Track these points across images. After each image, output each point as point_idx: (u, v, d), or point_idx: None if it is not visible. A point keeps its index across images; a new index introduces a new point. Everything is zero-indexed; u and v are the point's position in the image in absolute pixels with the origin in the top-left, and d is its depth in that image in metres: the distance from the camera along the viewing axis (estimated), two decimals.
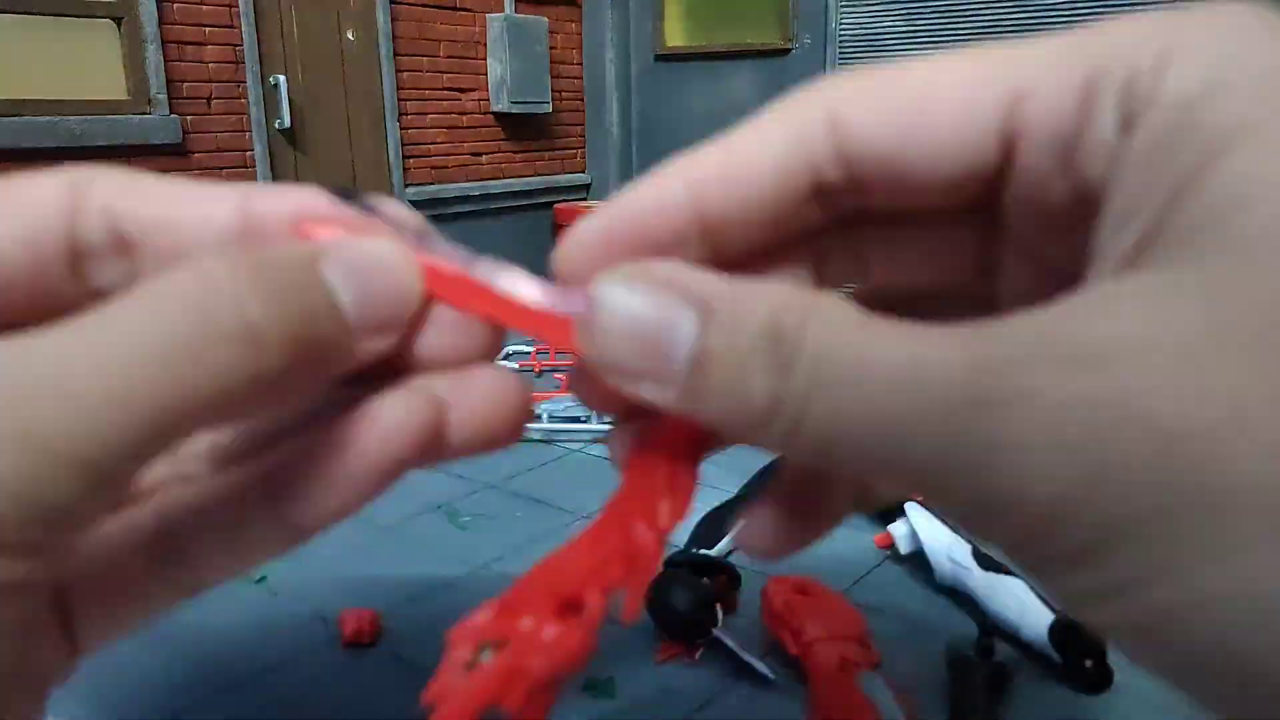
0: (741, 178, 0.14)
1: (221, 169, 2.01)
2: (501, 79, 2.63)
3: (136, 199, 0.15)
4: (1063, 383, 0.10)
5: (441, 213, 2.51)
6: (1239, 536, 0.10)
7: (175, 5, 1.88)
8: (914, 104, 0.13)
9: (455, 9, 2.60)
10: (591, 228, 0.14)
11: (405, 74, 2.49)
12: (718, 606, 0.44)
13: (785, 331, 0.12)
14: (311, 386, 0.15)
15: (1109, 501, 0.10)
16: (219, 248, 0.15)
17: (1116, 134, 0.12)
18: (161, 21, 1.84)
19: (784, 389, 0.12)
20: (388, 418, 0.14)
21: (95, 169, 0.15)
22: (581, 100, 3.14)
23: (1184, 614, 0.10)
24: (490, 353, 0.16)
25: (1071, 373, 0.10)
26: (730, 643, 0.43)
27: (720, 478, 0.67)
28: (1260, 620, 0.10)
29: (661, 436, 0.15)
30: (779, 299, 0.12)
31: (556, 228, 2.97)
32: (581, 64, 3.02)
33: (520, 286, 0.14)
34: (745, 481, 0.60)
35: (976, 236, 0.14)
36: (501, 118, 2.76)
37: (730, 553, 0.55)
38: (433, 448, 0.15)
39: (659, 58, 3.08)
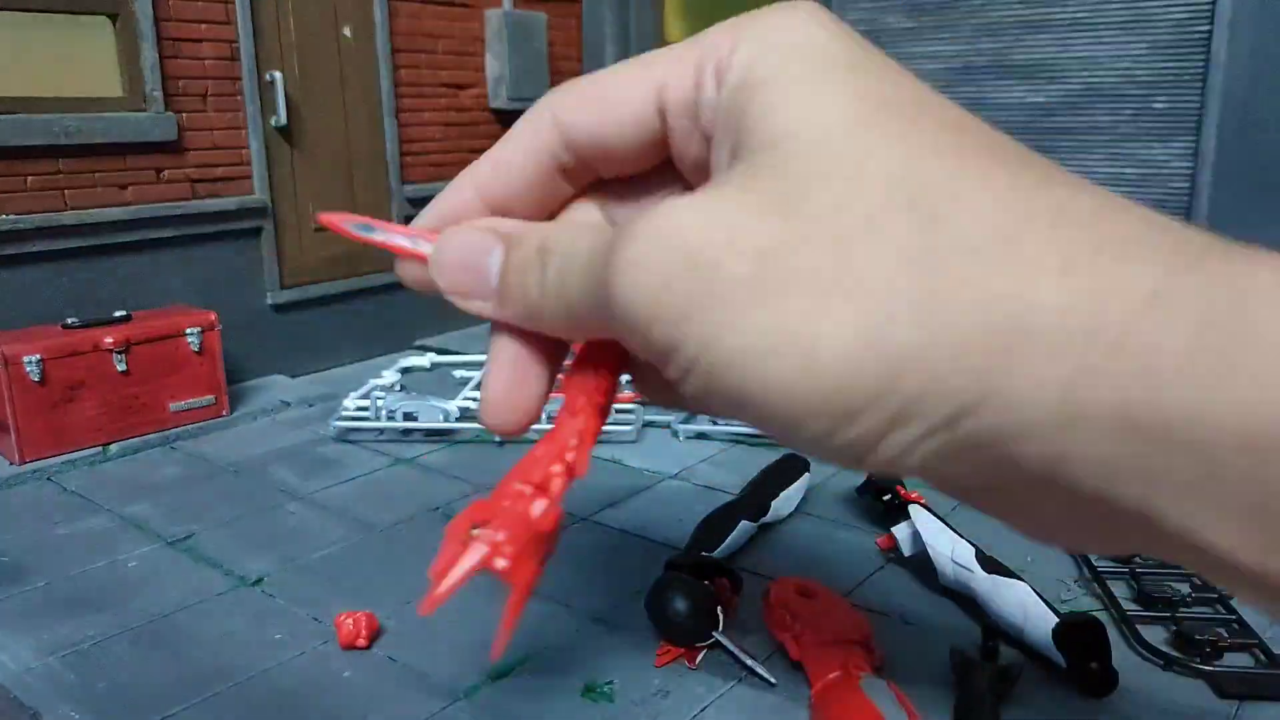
0: (508, 173, 0.21)
1: (218, 166, 2.00)
2: (500, 75, 2.62)
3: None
4: (638, 231, 0.17)
5: None
6: (734, 319, 0.16)
7: (171, 2, 1.87)
8: (601, 102, 0.20)
9: (453, 5, 2.59)
10: (430, 215, 0.22)
11: (403, 70, 2.47)
12: (719, 609, 0.44)
13: (547, 246, 0.19)
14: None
15: (666, 310, 0.17)
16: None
17: (715, 96, 0.18)
18: (157, 18, 1.83)
19: (544, 281, 0.19)
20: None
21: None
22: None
23: (720, 374, 0.17)
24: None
25: (646, 222, 0.17)
26: (731, 646, 0.43)
27: (721, 480, 0.67)
28: (755, 365, 0.16)
29: (580, 362, 0.22)
30: (545, 230, 0.19)
31: None
32: (581, 60, 3.01)
33: (395, 238, 0.21)
34: (746, 482, 0.60)
35: (677, 181, 0.22)
36: (500, 114, 2.74)
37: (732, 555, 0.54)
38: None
39: None
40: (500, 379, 0.23)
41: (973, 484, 0.17)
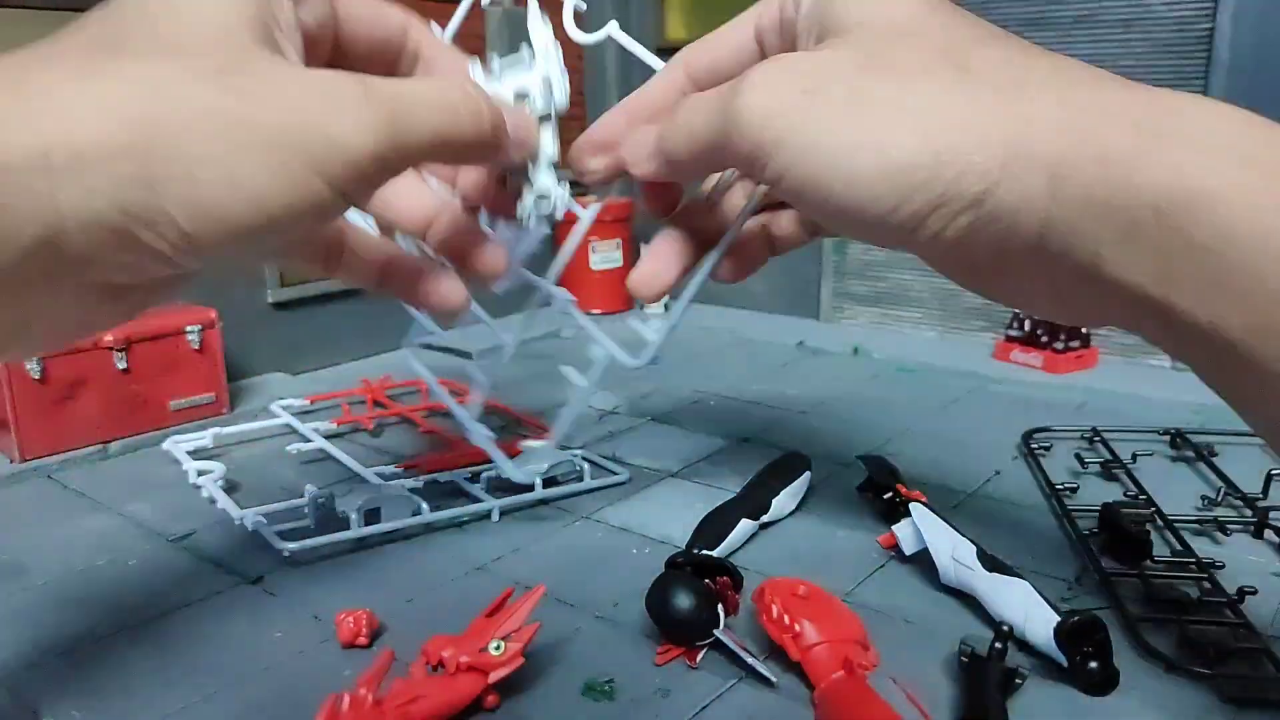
0: (644, 103, 0.34)
1: None
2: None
3: None
4: (762, 67, 0.28)
5: None
6: (831, 128, 0.26)
7: None
8: (713, 42, 0.33)
9: (453, 1, 2.59)
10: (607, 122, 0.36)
11: None
12: (719, 607, 0.44)
13: (681, 103, 0.32)
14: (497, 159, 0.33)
15: (779, 120, 0.27)
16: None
17: (795, 14, 0.30)
18: None
19: (675, 126, 0.31)
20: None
21: None
22: (581, 94, 3.13)
23: (815, 170, 0.26)
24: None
25: (767, 62, 0.28)
26: (732, 644, 0.43)
27: (720, 477, 0.67)
28: (844, 161, 0.26)
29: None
30: (690, 100, 0.31)
31: (555, 223, 2.95)
32: (581, 57, 3.01)
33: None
34: (746, 482, 0.60)
35: None
36: None
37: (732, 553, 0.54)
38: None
39: (660, 51, 3.07)
40: (650, 260, 0.37)
41: (985, 261, 0.27)
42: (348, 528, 0.56)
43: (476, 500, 0.62)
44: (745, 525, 0.55)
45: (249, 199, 0.24)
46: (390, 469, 0.68)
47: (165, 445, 0.74)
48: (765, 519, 0.57)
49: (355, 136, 0.25)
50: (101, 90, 0.23)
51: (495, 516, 0.60)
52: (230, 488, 0.66)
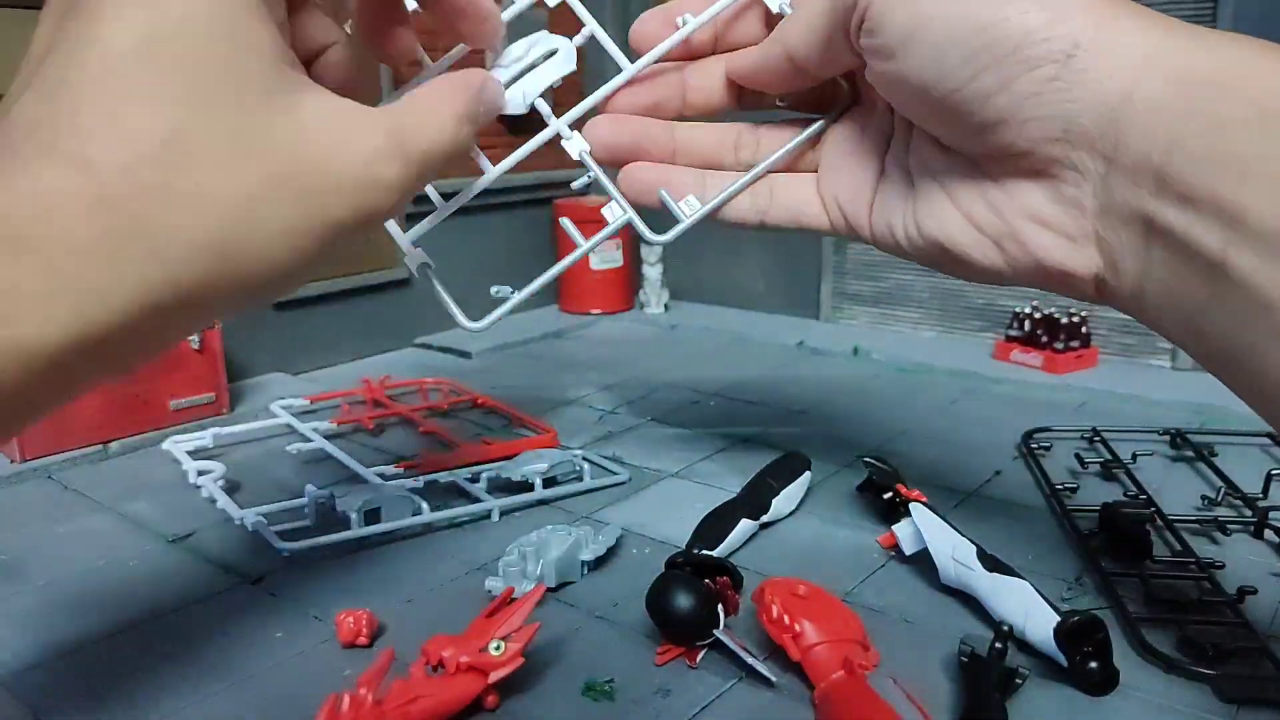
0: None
1: None
2: None
3: None
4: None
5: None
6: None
7: None
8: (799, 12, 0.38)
9: None
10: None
11: (404, 68, 2.48)
12: (719, 607, 0.44)
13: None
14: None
15: (895, 21, 0.31)
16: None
17: None
18: None
19: (803, 25, 0.38)
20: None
21: None
22: (581, 94, 3.13)
23: (915, 23, 0.30)
24: None
25: None
26: (732, 644, 0.43)
27: (720, 477, 0.67)
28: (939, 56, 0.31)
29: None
30: None
31: (556, 222, 2.96)
32: (582, 57, 3.00)
33: None
34: (746, 482, 0.60)
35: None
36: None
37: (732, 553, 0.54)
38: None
39: None
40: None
41: (1043, 146, 0.30)
42: (348, 527, 0.56)
43: (476, 500, 0.62)
44: (745, 525, 0.55)
45: (285, 267, 0.25)
46: (390, 469, 0.68)
47: (165, 445, 0.74)
48: (765, 519, 0.57)
49: (383, 201, 0.27)
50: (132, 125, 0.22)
51: (495, 516, 0.60)
52: (231, 488, 0.66)
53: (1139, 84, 0.26)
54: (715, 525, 0.54)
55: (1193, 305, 0.27)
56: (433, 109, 0.30)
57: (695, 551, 0.51)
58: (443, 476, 0.65)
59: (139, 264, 0.22)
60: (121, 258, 0.21)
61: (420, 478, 0.65)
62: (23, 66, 0.26)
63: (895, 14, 0.30)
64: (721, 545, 0.53)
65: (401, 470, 0.68)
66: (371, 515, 0.58)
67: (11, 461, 0.73)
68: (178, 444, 0.74)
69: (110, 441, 0.77)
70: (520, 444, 0.72)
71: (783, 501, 0.58)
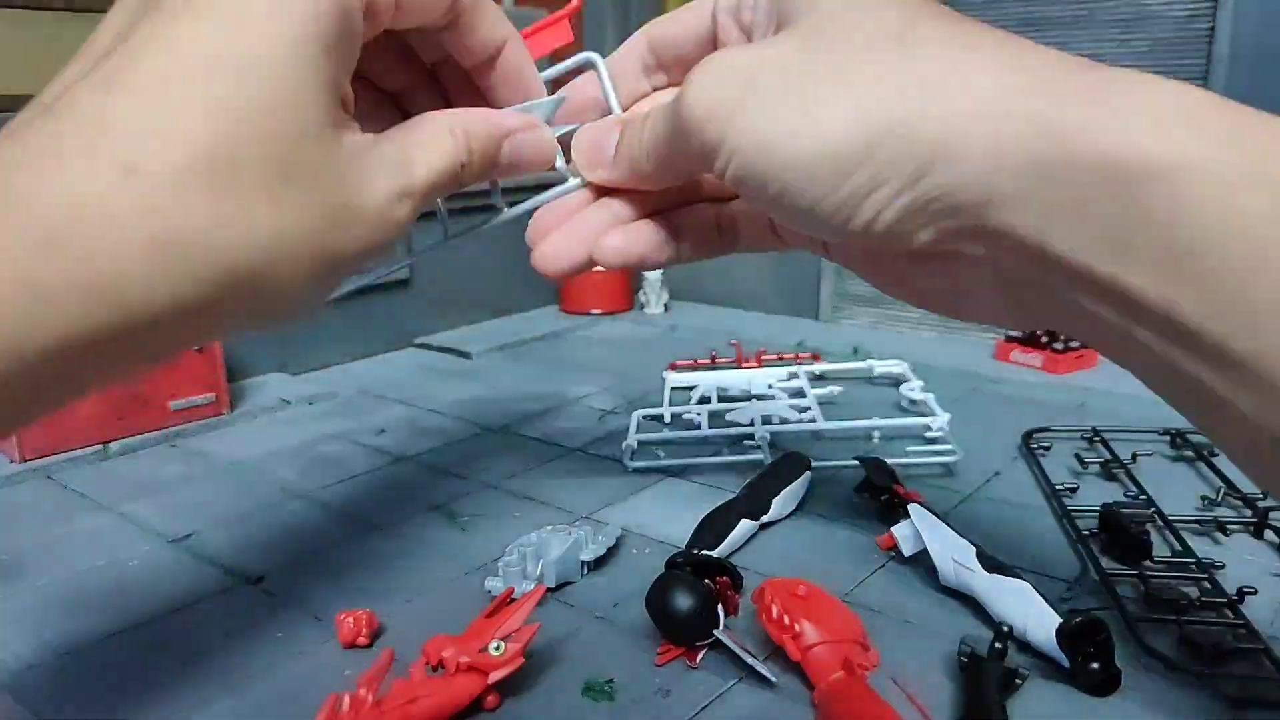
0: (618, 72, 0.36)
1: None
2: None
3: None
4: (704, 64, 0.29)
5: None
6: (765, 112, 0.27)
7: None
8: (674, 20, 0.33)
9: None
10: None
11: None
12: (719, 607, 0.44)
13: (647, 113, 0.32)
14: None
15: (719, 112, 0.27)
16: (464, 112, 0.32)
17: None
18: None
19: (642, 136, 0.32)
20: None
21: None
22: None
23: (752, 157, 0.27)
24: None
25: (709, 58, 0.29)
26: (732, 644, 0.43)
27: (720, 477, 0.67)
28: (778, 144, 0.26)
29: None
30: (647, 111, 0.32)
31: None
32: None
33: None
34: (744, 483, 0.60)
35: None
36: None
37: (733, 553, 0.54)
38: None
39: None
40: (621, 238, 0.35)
41: (926, 246, 0.27)
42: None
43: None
44: (745, 525, 0.55)
45: (298, 297, 0.25)
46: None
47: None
48: (765, 519, 0.57)
49: (382, 237, 0.27)
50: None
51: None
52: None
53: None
54: (715, 525, 0.54)
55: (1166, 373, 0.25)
56: (439, 144, 0.30)
57: (695, 552, 0.51)
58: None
59: (174, 279, 0.22)
60: (157, 271, 0.21)
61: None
62: (83, 50, 0.26)
63: (738, 162, 0.28)
64: (722, 546, 0.53)
65: None
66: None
67: (11, 462, 0.73)
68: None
69: (110, 442, 0.77)
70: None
71: (782, 502, 0.58)
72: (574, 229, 0.35)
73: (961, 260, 0.27)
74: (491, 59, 0.34)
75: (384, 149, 0.27)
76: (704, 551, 0.51)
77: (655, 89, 0.37)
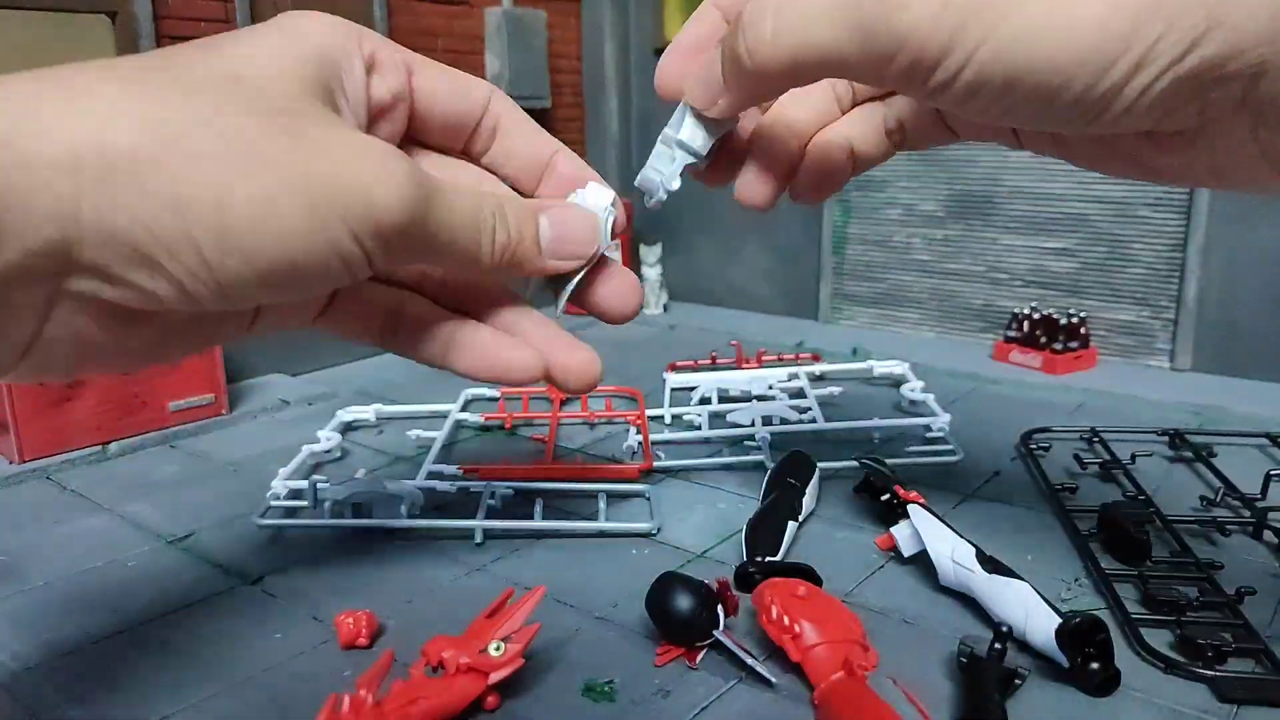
0: (697, 45, 0.31)
1: None
2: (499, 73, 2.62)
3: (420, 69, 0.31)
4: None
5: None
6: (1010, 12, 0.24)
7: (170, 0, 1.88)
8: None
9: (452, 3, 2.59)
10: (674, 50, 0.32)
11: None
12: (719, 608, 0.44)
13: (751, 13, 0.28)
14: (514, 274, 0.30)
15: (949, 20, 0.24)
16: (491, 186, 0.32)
17: None
18: (156, 16, 1.83)
19: (770, 28, 0.27)
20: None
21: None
22: (580, 95, 3.13)
23: (1002, 55, 0.24)
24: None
25: None
26: (732, 645, 0.43)
27: (719, 478, 0.67)
28: (1033, 38, 0.24)
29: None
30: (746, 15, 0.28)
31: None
32: (580, 58, 3.01)
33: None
34: (763, 485, 0.60)
35: None
36: None
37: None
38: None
39: (659, 52, 3.07)
40: (750, 173, 0.33)
41: (1176, 123, 0.26)
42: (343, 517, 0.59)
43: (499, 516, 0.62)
44: (791, 527, 0.55)
45: (276, 237, 0.24)
46: (451, 469, 0.67)
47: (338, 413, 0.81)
48: (801, 518, 0.57)
49: (391, 202, 0.25)
50: (145, 104, 0.23)
51: (478, 538, 0.58)
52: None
53: None
54: (768, 532, 0.53)
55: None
56: (463, 196, 0.28)
57: (763, 559, 0.50)
58: (501, 485, 0.63)
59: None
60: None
61: (455, 484, 0.64)
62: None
63: (982, 58, 0.25)
64: (780, 549, 0.53)
65: (460, 472, 0.67)
66: (359, 510, 0.59)
67: (11, 463, 0.73)
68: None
69: (109, 442, 0.76)
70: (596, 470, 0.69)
71: (808, 499, 0.58)
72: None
73: (1216, 133, 0.26)
74: (540, 178, 0.32)
75: (400, 154, 0.27)
76: (769, 559, 0.51)
77: None
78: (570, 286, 0.31)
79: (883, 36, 0.25)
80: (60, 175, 0.22)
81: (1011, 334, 1.14)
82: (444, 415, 0.82)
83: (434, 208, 0.27)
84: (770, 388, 0.88)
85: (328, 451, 0.73)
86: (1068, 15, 0.23)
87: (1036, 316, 1.14)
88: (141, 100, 0.23)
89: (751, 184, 0.33)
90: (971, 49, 0.24)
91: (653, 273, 1.48)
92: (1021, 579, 0.45)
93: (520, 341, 0.32)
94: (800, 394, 0.86)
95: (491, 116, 0.33)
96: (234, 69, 0.25)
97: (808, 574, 0.46)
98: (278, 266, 0.24)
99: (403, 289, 0.33)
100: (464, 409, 0.83)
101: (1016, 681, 0.40)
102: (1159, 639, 0.44)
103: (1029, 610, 0.43)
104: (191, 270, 0.24)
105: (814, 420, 0.76)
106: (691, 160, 0.32)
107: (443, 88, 0.32)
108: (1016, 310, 1.19)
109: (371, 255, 0.26)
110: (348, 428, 0.81)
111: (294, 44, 0.27)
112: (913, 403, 0.83)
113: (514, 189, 0.32)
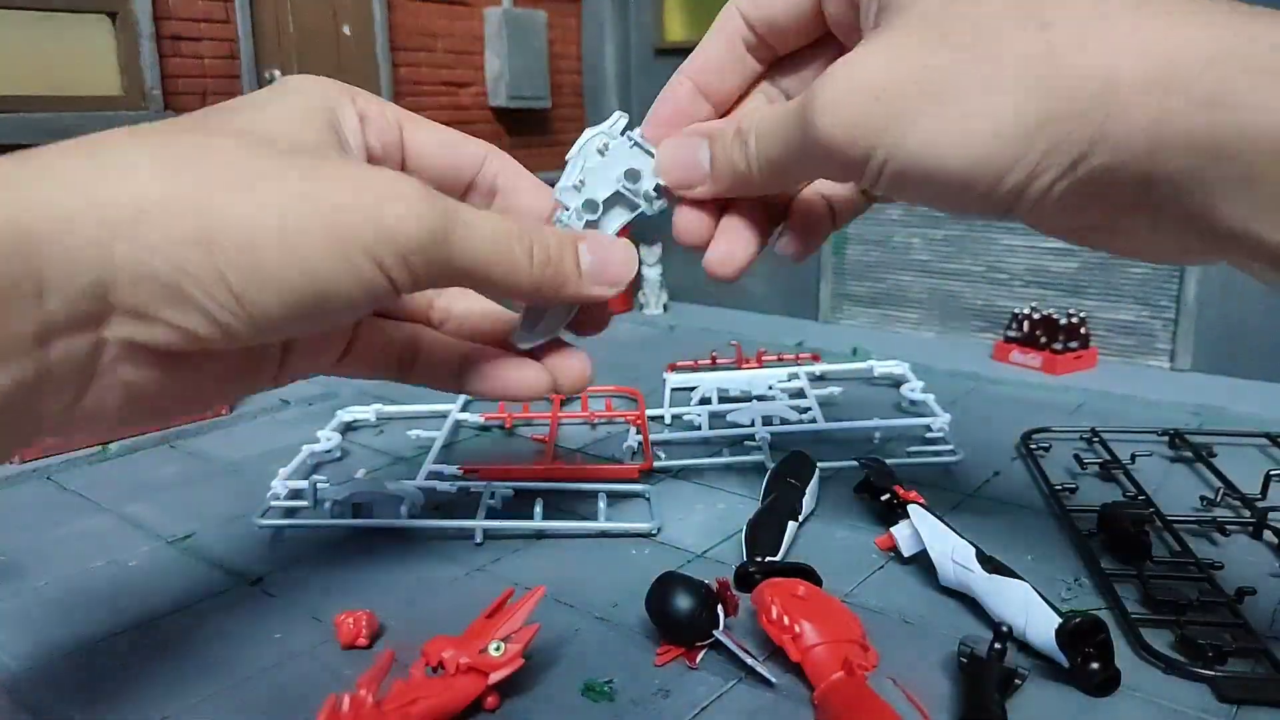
0: (710, 55, 0.33)
1: None
2: (500, 74, 2.61)
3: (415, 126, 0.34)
4: (831, 81, 0.27)
5: None
6: (914, 126, 0.26)
7: (170, 0, 1.88)
8: None
9: (453, 3, 2.59)
10: (658, 110, 0.34)
11: (402, 69, 2.48)
12: (719, 608, 0.44)
13: (741, 128, 0.30)
14: (553, 302, 0.33)
15: (862, 130, 0.27)
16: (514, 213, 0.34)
17: None
18: (156, 16, 1.83)
19: (747, 152, 0.30)
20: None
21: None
22: (580, 95, 3.13)
23: (908, 167, 0.27)
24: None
25: (834, 73, 0.27)
26: (732, 645, 0.43)
27: (719, 478, 0.67)
28: (932, 153, 0.26)
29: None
30: (734, 119, 0.32)
31: None
32: (580, 58, 3.00)
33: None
34: (762, 484, 0.60)
35: (827, 53, 0.33)
36: (500, 113, 2.73)
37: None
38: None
39: (659, 52, 3.07)
40: (722, 243, 0.35)
41: (1086, 221, 0.28)
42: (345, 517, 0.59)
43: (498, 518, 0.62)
44: (791, 527, 0.55)
45: (302, 269, 0.25)
46: (451, 469, 0.67)
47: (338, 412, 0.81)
48: (801, 518, 0.57)
49: (409, 226, 0.27)
50: (171, 154, 0.25)
51: (478, 538, 0.58)
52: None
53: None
54: (769, 532, 0.54)
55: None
56: (488, 219, 0.30)
57: (763, 560, 0.50)
58: (500, 485, 0.63)
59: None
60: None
61: (455, 484, 0.64)
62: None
63: (892, 169, 0.27)
64: (781, 549, 0.53)
65: (460, 472, 0.67)
66: (360, 509, 0.59)
67: (11, 462, 0.73)
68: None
69: (109, 443, 0.76)
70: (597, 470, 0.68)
71: (808, 501, 0.58)
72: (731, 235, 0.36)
73: (1125, 224, 0.27)
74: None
75: (415, 181, 0.28)
76: (769, 559, 0.51)
77: (757, 73, 0.34)
78: (541, 328, 0.34)
79: (818, 141, 0.28)
80: (93, 222, 0.23)
81: (1011, 334, 1.14)
82: (444, 415, 0.81)
83: (454, 225, 0.28)
84: (770, 388, 0.88)
85: (328, 451, 0.73)
86: (962, 130, 0.26)
87: (1036, 316, 1.14)
88: (165, 149, 0.26)
89: (722, 248, 0.36)
90: (882, 163, 0.27)
91: (653, 273, 1.48)
92: (1021, 579, 0.45)
93: (526, 360, 0.35)
94: (800, 394, 0.86)
95: (488, 175, 0.35)
96: (249, 122, 0.28)
97: (808, 574, 0.46)
98: (304, 294, 0.26)
99: (415, 323, 0.37)
100: (464, 409, 0.83)
101: (1016, 681, 0.40)
102: (1159, 639, 0.44)
103: (1029, 610, 0.43)
104: (221, 303, 0.25)
105: (814, 420, 0.76)
106: (639, 210, 0.34)
107: (433, 141, 0.34)
108: (1016, 310, 1.19)
109: (395, 277, 0.27)
110: (348, 428, 0.81)
111: (299, 98, 0.30)
112: (913, 403, 0.83)
113: None
